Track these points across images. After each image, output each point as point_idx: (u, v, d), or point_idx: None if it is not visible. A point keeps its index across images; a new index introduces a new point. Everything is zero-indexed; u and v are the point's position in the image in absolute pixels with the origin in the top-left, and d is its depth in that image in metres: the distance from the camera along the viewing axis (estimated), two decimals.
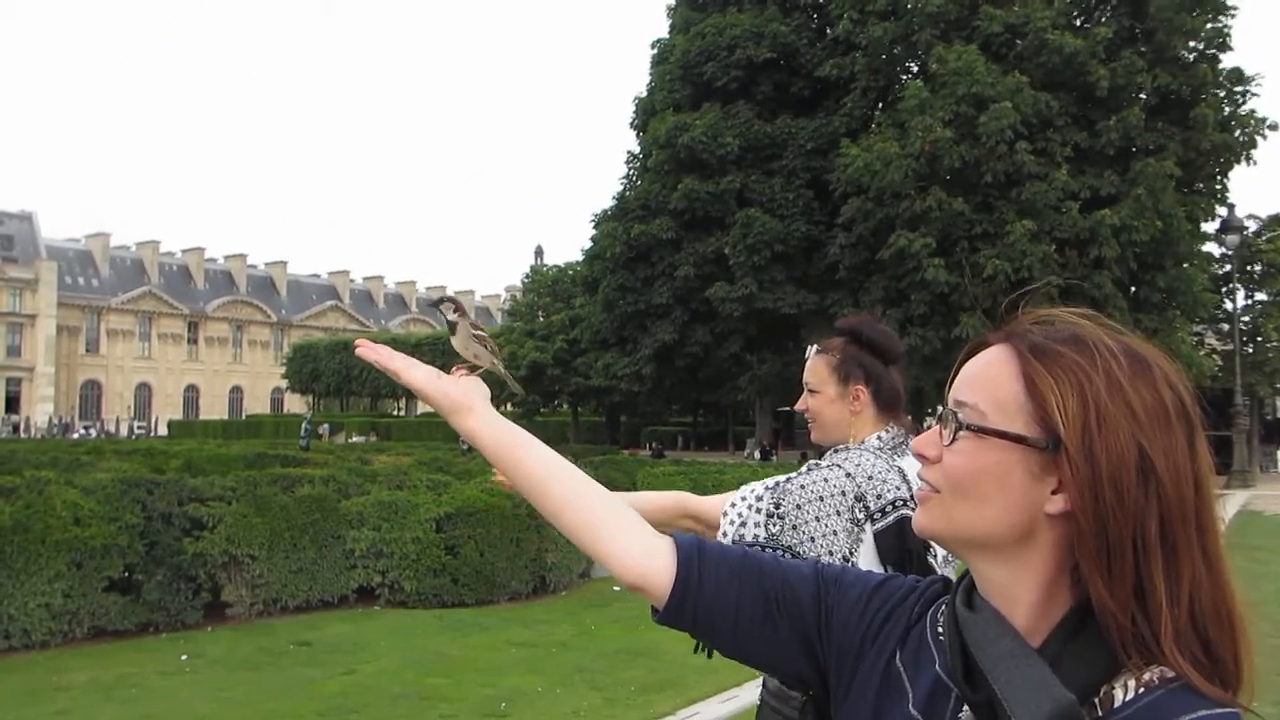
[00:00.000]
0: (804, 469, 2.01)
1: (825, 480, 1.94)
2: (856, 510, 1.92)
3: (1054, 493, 0.87)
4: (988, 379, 0.92)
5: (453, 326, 1.28)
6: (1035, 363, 0.89)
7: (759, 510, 1.90)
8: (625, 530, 1.10)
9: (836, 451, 2.08)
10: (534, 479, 1.12)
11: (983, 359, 0.94)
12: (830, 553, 1.88)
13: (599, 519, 1.10)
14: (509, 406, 49.31)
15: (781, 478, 1.96)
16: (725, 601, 1.06)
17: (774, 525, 1.88)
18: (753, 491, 1.94)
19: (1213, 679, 0.84)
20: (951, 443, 0.91)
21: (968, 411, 0.91)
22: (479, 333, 1.30)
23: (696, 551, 1.08)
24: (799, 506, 1.90)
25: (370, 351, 1.14)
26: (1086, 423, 0.85)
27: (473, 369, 1.21)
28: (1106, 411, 0.85)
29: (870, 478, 1.96)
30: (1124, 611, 0.84)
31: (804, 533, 1.88)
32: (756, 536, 1.87)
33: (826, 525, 1.90)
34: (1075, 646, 0.87)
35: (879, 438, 2.09)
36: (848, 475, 1.95)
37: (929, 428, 0.98)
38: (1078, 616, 0.88)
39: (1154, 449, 0.85)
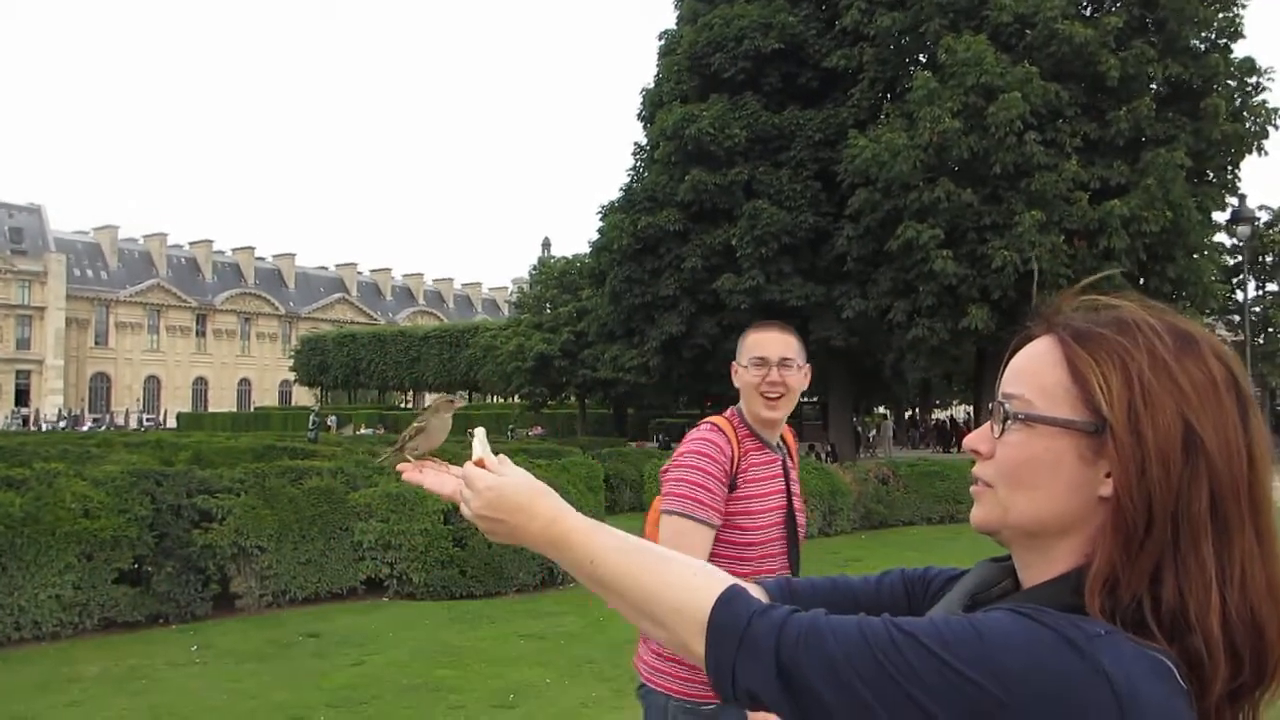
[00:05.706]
0: None
1: None
2: None
3: (1107, 475, 0.87)
4: (1032, 369, 0.93)
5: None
6: (1077, 347, 0.90)
7: None
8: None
9: None
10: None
11: (1028, 351, 0.96)
12: None
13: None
14: (516, 398, 49.36)
15: None
16: None
17: None
18: None
19: (1258, 668, 0.84)
20: (1001, 434, 0.93)
21: (1015, 402, 0.92)
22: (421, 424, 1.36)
23: (787, 590, 1.14)
24: None
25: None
26: (1131, 401, 0.85)
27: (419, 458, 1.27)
28: (1151, 389, 0.85)
29: None
30: (1130, 591, 0.83)
31: None
32: None
33: None
34: (1031, 595, 0.89)
35: None
36: None
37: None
38: (1075, 576, 0.88)
39: (1203, 424, 0.84)
